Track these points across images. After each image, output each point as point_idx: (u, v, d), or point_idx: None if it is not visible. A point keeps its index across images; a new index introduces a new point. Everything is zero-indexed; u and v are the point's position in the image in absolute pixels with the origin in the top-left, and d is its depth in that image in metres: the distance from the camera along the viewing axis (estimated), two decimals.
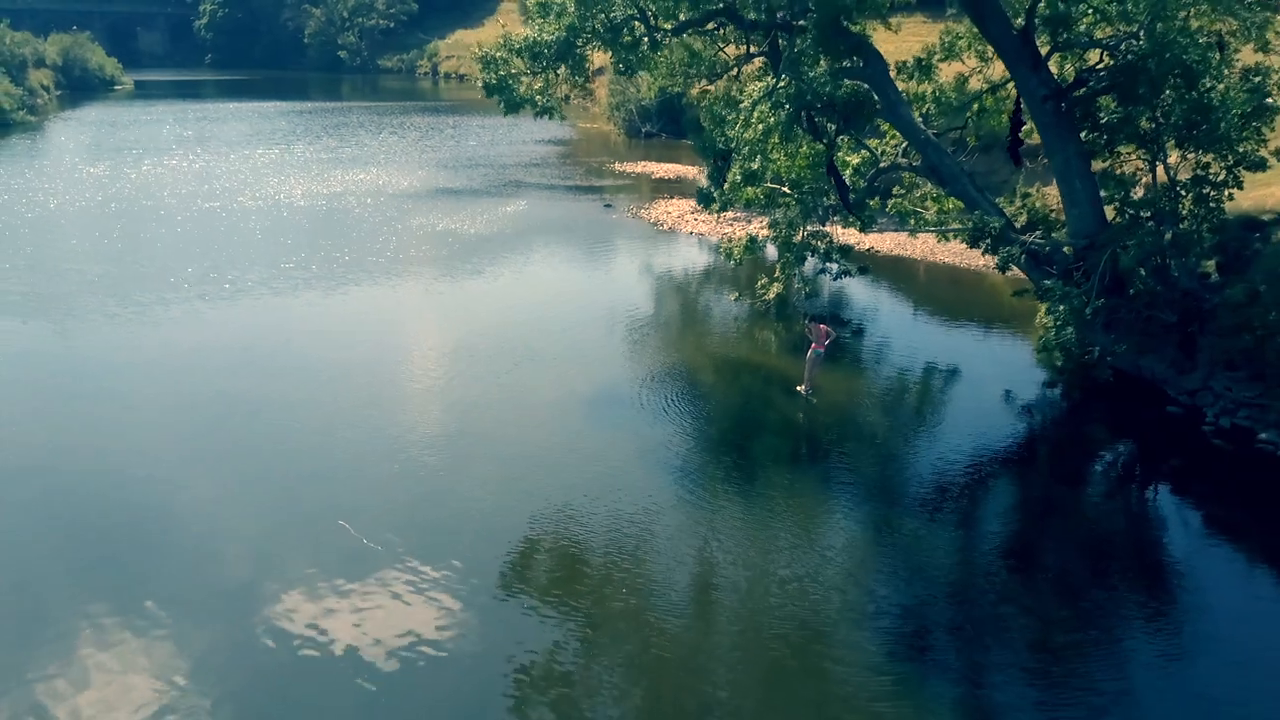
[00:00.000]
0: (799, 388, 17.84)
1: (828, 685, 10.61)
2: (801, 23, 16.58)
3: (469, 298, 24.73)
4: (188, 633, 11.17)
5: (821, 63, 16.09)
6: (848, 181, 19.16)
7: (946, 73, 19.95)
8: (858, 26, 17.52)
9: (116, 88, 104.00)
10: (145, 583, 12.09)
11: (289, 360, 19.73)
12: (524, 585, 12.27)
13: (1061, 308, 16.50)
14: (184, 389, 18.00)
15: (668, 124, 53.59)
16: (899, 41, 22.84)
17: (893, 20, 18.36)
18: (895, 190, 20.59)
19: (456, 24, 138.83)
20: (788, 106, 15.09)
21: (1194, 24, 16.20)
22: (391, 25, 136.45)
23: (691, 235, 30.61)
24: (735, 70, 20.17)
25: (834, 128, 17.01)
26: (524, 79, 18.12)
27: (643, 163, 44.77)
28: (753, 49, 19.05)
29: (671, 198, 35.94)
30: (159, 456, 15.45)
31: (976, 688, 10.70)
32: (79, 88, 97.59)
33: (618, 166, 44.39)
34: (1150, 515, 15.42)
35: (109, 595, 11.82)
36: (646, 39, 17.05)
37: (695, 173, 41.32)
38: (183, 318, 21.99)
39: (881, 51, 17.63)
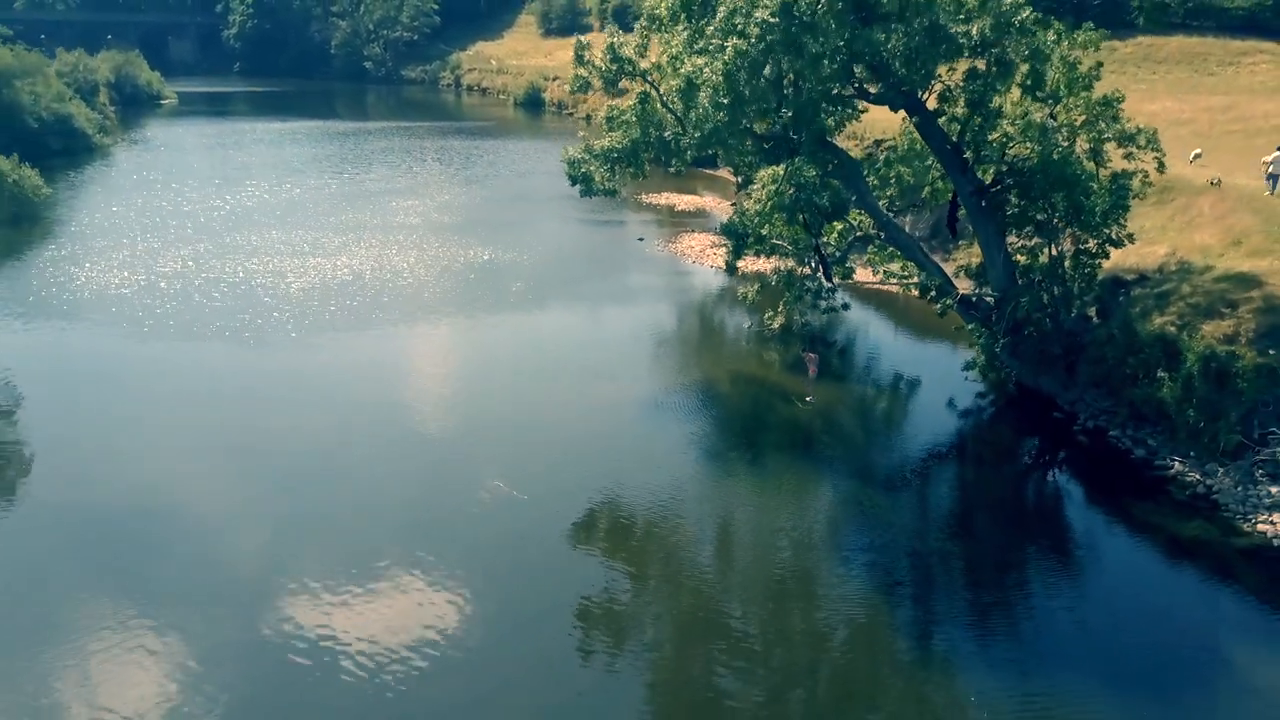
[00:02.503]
0: (808, 398, 24.75)
1: (816, 610, 17.15)
2: (796, 137, 23.43)
3: (533, 324, 31.51)
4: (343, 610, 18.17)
5: (812, 169, 22.92)
6: (832, 243, 26.14)
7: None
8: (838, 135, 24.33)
9: (163, 102, 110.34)
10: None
11: (407, 382, 26.74)
12: (588, 544, 18.81)
13: (980, 343, 23.50)
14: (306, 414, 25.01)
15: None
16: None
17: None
18: (869, 250, 27.50)
19: (477, 35, 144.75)
20: (788, 203, 21.94)
21: (1078, 148, 23.02)
22: (415, 37, 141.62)
23: (712, 269, 37.61)
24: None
25: (821, 222, 23.94)
26: (598, 173, 24.80)
27: (665, 194, 51.44)
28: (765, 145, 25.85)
29: (694, 231, 42.85)
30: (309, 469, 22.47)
31: (928, 617, 16.78)
32: (129, 103, 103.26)
33: (643, 197, 51.14)
34: (1045, 492, 22.50)
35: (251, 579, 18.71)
36: (690, 149, 23.70)
37: (712, 204, 48.19)
38: (319, 346, 29.03)
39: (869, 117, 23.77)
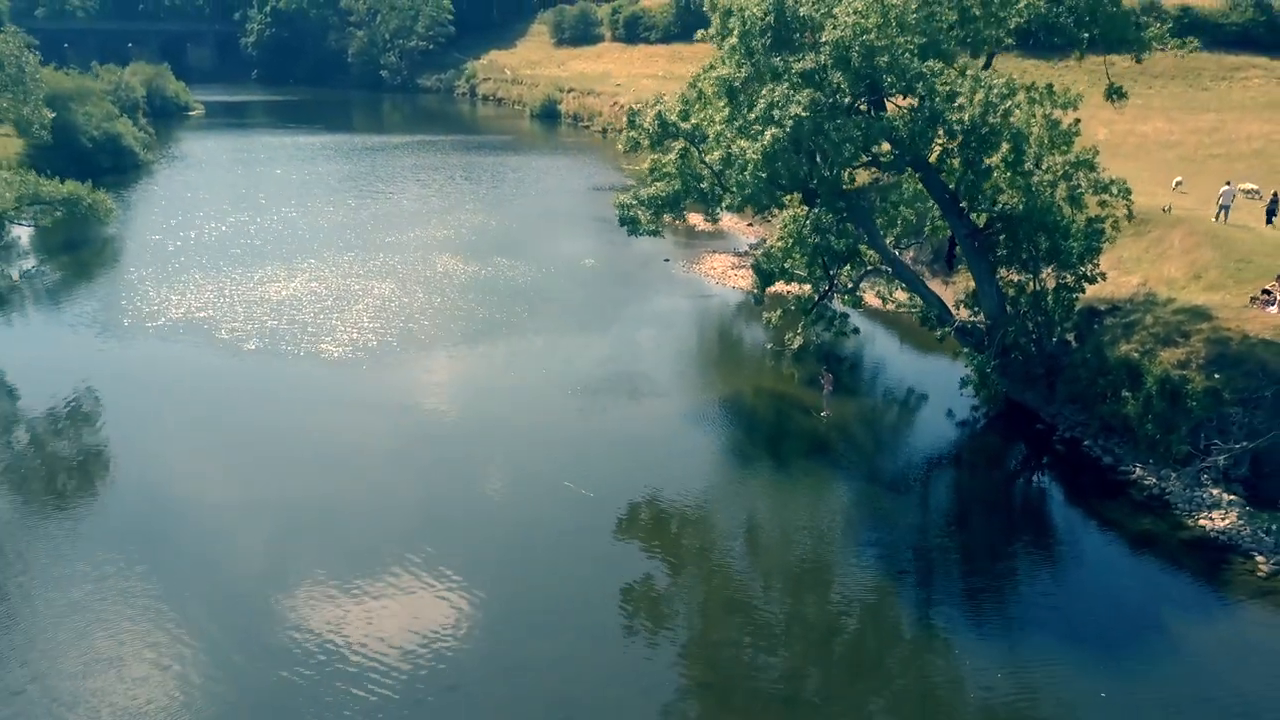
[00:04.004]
0: (824, 413, 28.60)
1: (830, 594, 20.95)
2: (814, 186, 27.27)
3: (575, 344, 35.23)
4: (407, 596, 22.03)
5: (829, 215, 26.73)
6: (845, 275, 30.01)
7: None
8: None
9: (190, 113, 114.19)
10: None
11: (466, 396, 30.60)
12: (634, 536, 22.63)
13: (974, 364, 27.40)
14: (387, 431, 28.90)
15: None
16: None
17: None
18: (878, 281, 31.37)
19: (490, 44, 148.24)
20: (810, 248, 25.75)
21: (1059, 196, 26.79)
22: (430, 47, 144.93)
23: (735, 290, 41.46)
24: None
25: (837, 264, 27.83)
26: (644, 217, 28.62)
27: (687, 214, 55.18)
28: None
29: (715, 253, 46.66)
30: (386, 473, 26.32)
31: (929, 600, 20.56)
32: (159, 114, 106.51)
33: (665, 218, 54.90)
34: (1028, 493, 26.36)
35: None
36: (727, 204, 27.53)
37: (730, 225, 51.92)
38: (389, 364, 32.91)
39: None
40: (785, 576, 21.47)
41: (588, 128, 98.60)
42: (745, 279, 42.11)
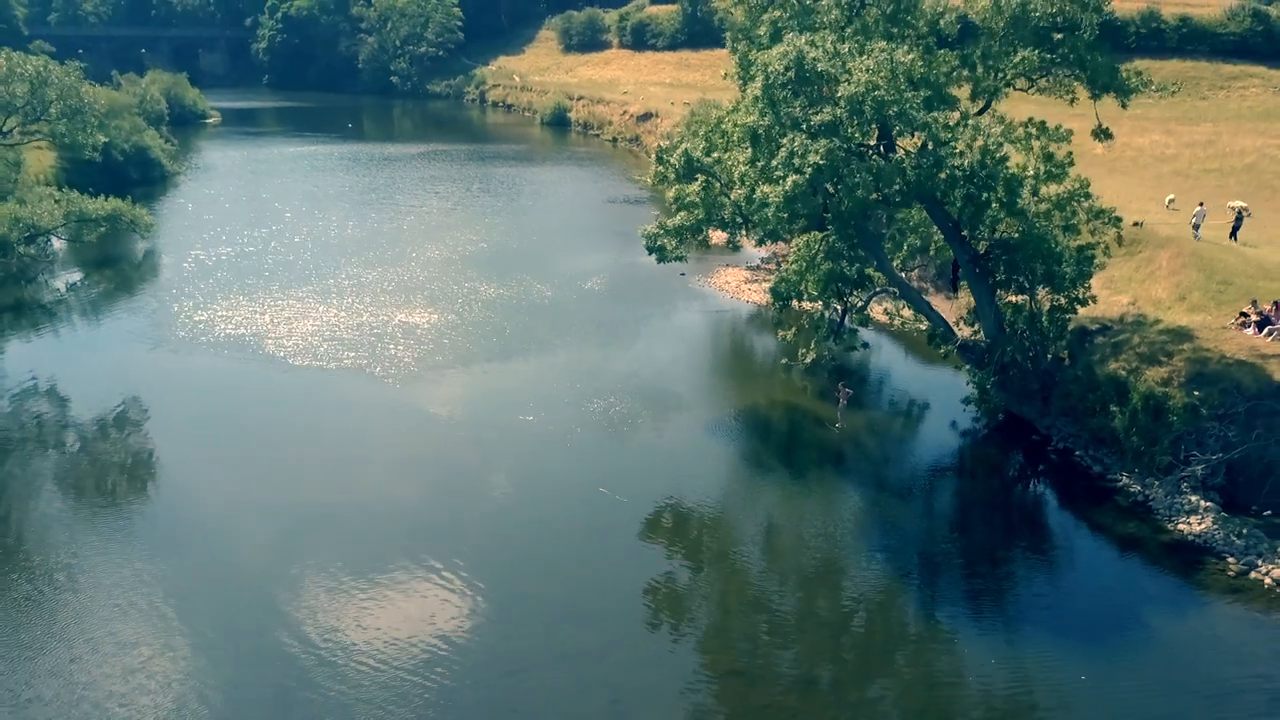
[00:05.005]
0: (838, 424, 30.92)
1: (841, 593, 23.29)
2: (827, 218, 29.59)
3: (604, 357, 37.63)
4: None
5: (841, 242, 29.01)
6: (855, 296, 32.33)
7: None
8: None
9: (207, 121, 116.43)
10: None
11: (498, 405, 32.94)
12: (659, 536, 24.93)
13: (975, 379, 29.71)
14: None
15: None
16: None
17: None
18: (886, 300, 33.72)
19: (499, 50, 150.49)
20: (823, 275, 28.07)
21: (1054, 224, 29.05)
22: (440, 53, 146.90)
23: (749, 303, 43.77)
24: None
25: (849, 289, 30.17)
26: (669, 244, 30.95)
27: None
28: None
29: (728, 266, 48.94)
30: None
31: (932, 598, 22.98)
32: (178, 123, 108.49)
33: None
34: (1024, 499, 28.67)
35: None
36: (748, 232, 29.87)
37: (741, 238, 54.12)
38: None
39: None
40: (800, 576, 23.78)
41: (598, 136, 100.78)
42: (758, 293, 44.46)
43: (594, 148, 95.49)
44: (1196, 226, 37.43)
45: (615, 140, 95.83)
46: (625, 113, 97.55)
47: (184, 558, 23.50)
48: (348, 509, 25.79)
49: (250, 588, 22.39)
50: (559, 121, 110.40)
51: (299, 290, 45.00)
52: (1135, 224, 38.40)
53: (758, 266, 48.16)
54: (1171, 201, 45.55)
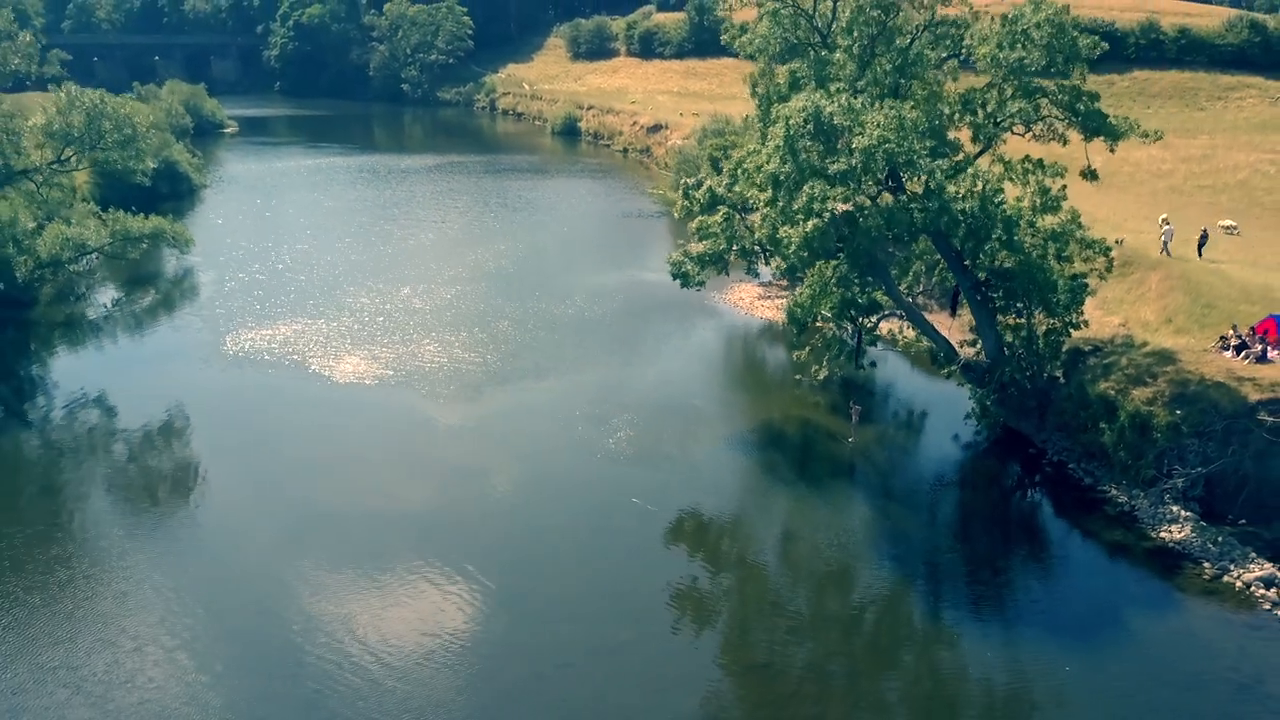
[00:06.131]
0: (850, 439, 33.40)
1: (851, 596, 25.80)
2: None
3: (627, 374, 40.07)
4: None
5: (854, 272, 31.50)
6: (865, 320, 34.89)
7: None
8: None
9: (225, 131, 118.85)
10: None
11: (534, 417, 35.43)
12: (681, 542, 27.48)
13: (976, 397, 32.22)
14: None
15: None
16: None
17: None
18: (894, 322, 36.28)
19: (508, 58, 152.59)
20: (836, 302, 30.64)
21: (1048, 254, 31.50)
22: (450, 61, 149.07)
23: (762, 319, 46.25)
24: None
25: (860, 316, 32.77)
26: (692, 270, 33.49)
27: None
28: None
29: (741, 283, 51.37)
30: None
31: (936, 601, 25.47)
32: (197, 133, 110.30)
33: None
34: (1022, 508, 31.21)
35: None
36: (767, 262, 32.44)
37: (760, 265, 56.48)
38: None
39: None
40: (815, 578, 26.29)
41: (608, 146, 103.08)
42: (770, 309, 46.94)
43: (605, 159, 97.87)
44: (1165, 244, 40.10)
45: (626, 151, 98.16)
46: (635, 124, 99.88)
47: (230, 560, 26.22)
48: (399, 519, 28.33)
49: (317, 594, 24.90)
50: (569, 131, 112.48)
51: (333, 308, 47.46)
52: (1117, 241, 40.94)
53: (769, 283, 50.58)
54: (1165, 221, 47.91)
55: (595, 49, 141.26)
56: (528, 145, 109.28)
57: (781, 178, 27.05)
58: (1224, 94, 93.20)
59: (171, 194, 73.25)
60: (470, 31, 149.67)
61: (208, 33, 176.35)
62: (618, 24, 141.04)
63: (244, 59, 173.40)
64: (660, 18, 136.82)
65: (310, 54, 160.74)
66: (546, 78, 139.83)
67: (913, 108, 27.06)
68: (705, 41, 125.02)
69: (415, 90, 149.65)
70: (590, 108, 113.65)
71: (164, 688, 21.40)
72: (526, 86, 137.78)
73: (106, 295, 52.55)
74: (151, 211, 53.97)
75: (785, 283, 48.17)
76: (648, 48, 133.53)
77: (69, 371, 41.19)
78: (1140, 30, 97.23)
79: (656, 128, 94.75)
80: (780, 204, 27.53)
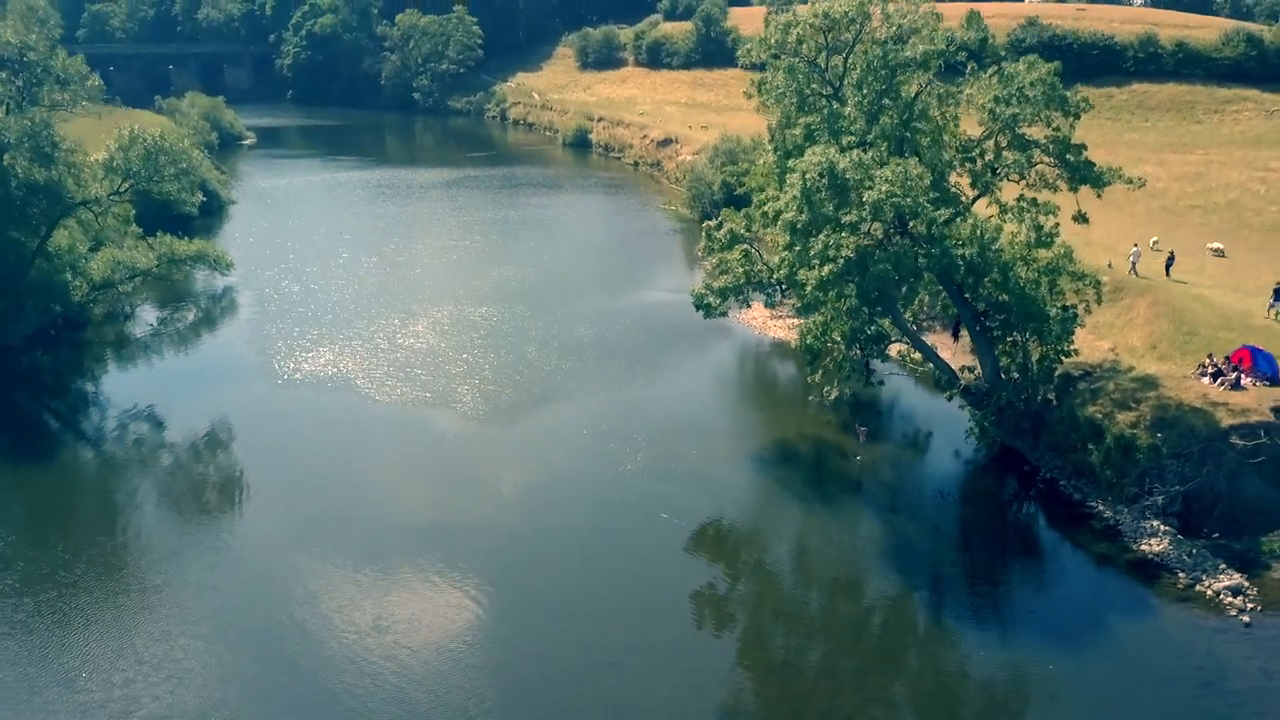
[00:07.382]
0: (858, 457, 36.30)
1: (859, 602, 28.72)
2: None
3: (640, 395, 42.93)
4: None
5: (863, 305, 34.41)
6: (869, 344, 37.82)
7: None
8: None
9: (244, 142, 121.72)
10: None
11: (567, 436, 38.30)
12: (699, 552, 30.38)
13: (976, 418, 35.18)
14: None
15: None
16: None
17: None
18: (899, 349, 39.31)
19: (517, 67, 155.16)
20: (848, 333, 33.60)
21: (1041, 288, 34.36)
22: (461, 70, 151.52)
23: (774, 338, 49.14)
24: None
25: (868, 346, 35.76)
26: (715, 303, 36.48)
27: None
28: None
29: (754, 303, 54.15)
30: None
31: (938, 607, 28.48)
32: (218, 146, 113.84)
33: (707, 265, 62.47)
34: (1017, 522, 34.11)
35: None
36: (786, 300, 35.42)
37: (778, 299, 59.35)
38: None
39: None
40: (826, 585, 29.22)
41: (619, 159, 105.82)
42: (782, 329, 49.83)
43: (616, 172, 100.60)
44: (1134, 264, 43.23)
45: (636, 164, 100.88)
46: (646, 137, 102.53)
47: (279, 565, 29.12)
48: (444, 529, 31.27)
49: (362, 595, 27.84)
50: (580, 143, 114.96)
51: (367, 328, 50.33)
52: (1108, 265, 43.86)
53: (780, 302, 53.40)
54: (1156, 243, 50.53)
55: (604, 58, 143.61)
56: (540, 157, 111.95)
57: (799, 226, 29.96)
58: (1221, 107, 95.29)
59: (203, 210, 74.94)
60: (480, 41, 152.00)
61: (221, 42, 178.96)
62: (626, 34, 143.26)
63: (257, 68, 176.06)
64: (668, 27, 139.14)
65: (322, 63, 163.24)
66: (555, 87, 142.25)
67: (918, 162, 29.95)
68: (712, 52, 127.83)
69: (426, 99, 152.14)
70: (601, 119, 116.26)
71: (216, 678, 24.41)
72: (536, 96, 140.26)
73: (152, 315, 55.43)
74: (185, 229, 57.00)
75: (796, 302, 51.01)
76: (655, 58, 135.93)
77: (120, 387, 44.17)
78: (1139, 43, 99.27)
79: (667, 141, 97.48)
80: (797, 249, 30.46)
